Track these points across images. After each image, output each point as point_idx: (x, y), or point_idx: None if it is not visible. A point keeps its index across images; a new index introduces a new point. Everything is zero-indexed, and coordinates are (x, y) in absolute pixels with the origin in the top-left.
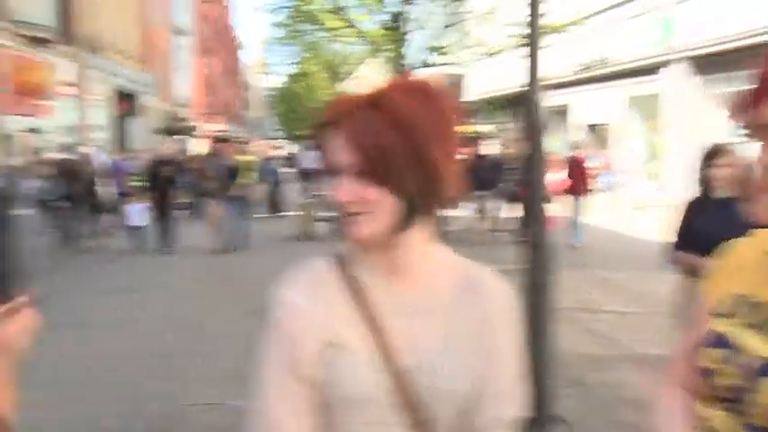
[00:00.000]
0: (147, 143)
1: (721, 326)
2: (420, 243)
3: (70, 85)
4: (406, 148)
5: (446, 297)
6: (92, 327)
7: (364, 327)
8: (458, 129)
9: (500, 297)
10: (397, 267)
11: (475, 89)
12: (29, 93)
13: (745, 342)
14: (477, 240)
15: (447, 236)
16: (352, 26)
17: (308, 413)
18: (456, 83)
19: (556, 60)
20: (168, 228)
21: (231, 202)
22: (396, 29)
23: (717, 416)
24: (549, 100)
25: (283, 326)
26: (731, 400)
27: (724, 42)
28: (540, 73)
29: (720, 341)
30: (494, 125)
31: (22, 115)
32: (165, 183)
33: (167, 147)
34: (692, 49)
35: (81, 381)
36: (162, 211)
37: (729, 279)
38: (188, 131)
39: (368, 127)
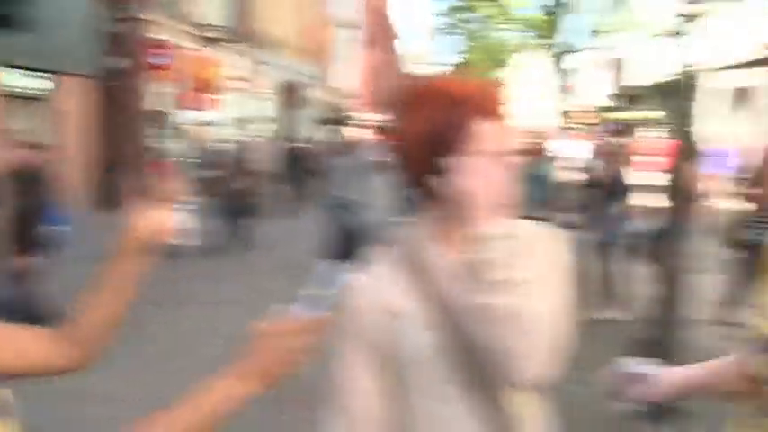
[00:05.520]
0: (311, 134)
1: None
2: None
3: (241, 79)
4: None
5: (504, 259)
6: None
7: (421, 294)
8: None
9: (553, 252)
10: (454, 238)
11: (637, 73)
12: (204, 88)
13: None
14: None
15: None
16: (507, 13)
17: (376, 374)
18: (616, 66)
19: (736, 40)
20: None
21: None
22: (555, 13)
23: None
24: (726, 82)
25: (352, 300)
26: None
27: None
28: (709, 54)
29: None
30: (659, 112)
31: (197, 110)
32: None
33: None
34: None
35: None
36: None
37: None
38: (343, 122)
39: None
